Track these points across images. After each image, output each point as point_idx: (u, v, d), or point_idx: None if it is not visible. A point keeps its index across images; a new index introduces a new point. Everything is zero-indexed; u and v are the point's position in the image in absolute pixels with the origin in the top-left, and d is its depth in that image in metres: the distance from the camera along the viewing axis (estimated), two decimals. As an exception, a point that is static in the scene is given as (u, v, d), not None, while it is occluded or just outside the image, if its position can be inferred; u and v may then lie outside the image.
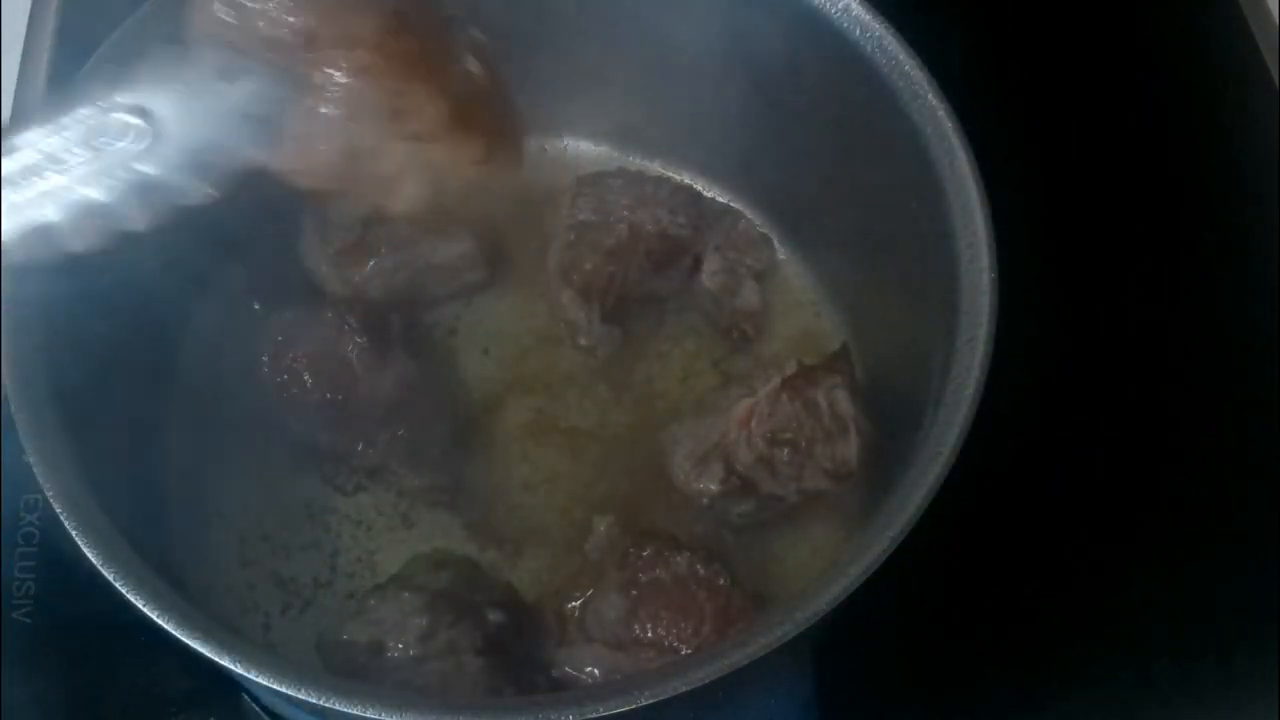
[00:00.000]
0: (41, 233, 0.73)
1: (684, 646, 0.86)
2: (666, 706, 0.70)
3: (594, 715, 0.69)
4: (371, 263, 0.98)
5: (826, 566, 0.91)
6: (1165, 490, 1.02)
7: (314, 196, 0.79)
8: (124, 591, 0.72)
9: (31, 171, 0.73)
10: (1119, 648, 0.96)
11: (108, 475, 0.80)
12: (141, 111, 0.74)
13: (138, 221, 0.74)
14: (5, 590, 0.93)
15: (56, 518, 0.75)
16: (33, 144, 0.73)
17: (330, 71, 0.73)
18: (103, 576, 0.72)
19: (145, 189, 0.73)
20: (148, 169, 0.73)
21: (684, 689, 0.70)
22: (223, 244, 0.99)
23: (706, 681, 0.70)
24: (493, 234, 1.03)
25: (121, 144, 0.73)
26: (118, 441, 0.87)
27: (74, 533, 0.74)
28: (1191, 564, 0.99)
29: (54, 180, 0.72)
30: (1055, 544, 0.99)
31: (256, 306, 0.99)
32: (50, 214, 0.72)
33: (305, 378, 0.94)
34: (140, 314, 0.92)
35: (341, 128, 0.74)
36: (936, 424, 0.78)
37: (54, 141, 0.73)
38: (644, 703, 0.70)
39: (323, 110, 0.74)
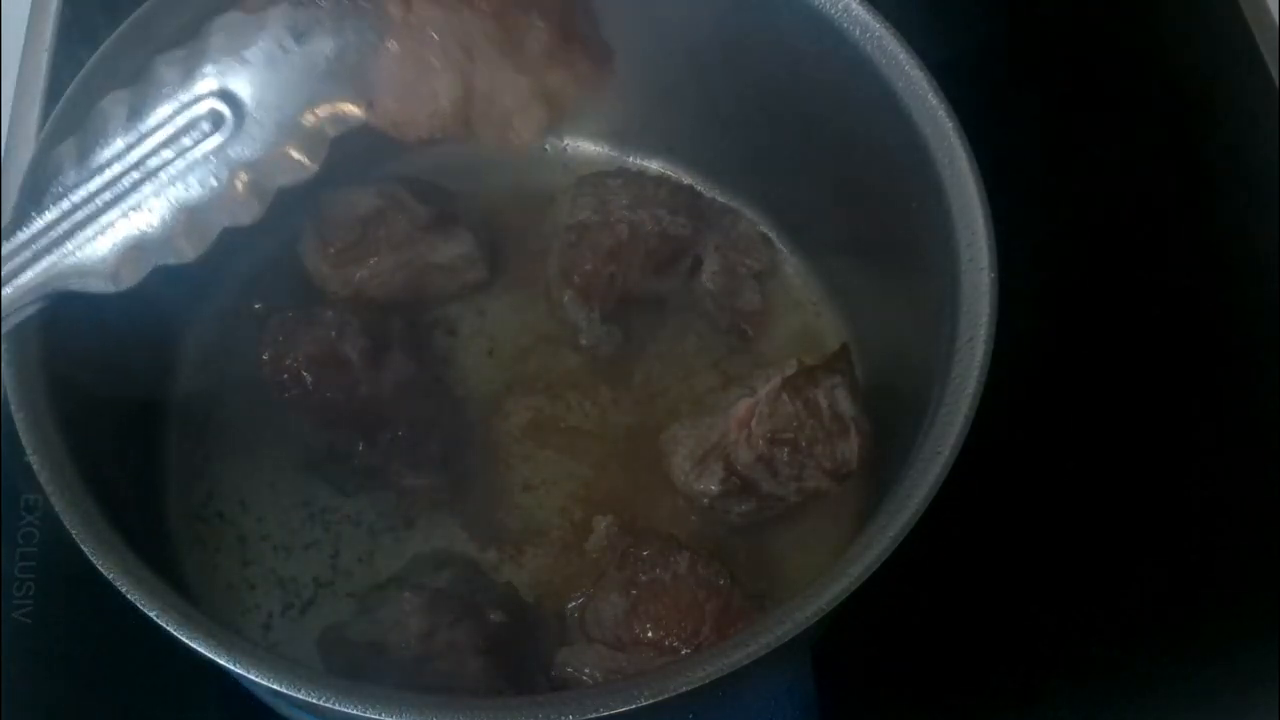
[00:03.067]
0: (141, 249, 0.70)
1: (684, 647, 0.86)
2: (667, 707, 0.70)
3: (594, 715, 0.69)
4: (371, 262, 0.98)
5: (826, 566, 0.91)
6: (1165, 490, 1.02)
7: (422, 144, 0.74)
8: (124, 591, 0.72)
9: (120, 188, 0.70)
10: (1119, 648, 0.96)
11: (107, 475, 0.80)
12: (223, 94, 0.68)
13: (244, 214, 0.70)
14: (5, 590, 0.93)
15: (56, 518, 0.75)
16: (116, 158, 0.69)
17: (418, 6, 0.68)
18: (103, 576, 0.72)
19: (244, 176, 0.69)
20: (241, 154, 0.69)
21: (684, 689, 0.70)
22: (223, 243, 1.00)
23: (707, 681, 0.70)
24: (493, 234, 1.03)
25: (209, 135, 0.69)
26: (117, 441, 0.88)
27: (74, 532, 0.74)
28: (1191, 564, 0.99)
29: (146, 190, 0.69)
30: (1055, 543, 0.99)
31: (257, 306, 0.99)
32: (147, 227, 0.70)
33: (306, 378, 0.93)
34: (140, 313, 0.92)
35: (450, 67, 0.69)
36: (936, 424, 0.78)
37: (136, 151, 0.69)
38: (644, 703, 0.69)
39: (425, 50, 0.68)
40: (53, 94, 1.11)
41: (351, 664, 0.86)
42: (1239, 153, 1.16)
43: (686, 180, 1.07)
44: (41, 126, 1.06)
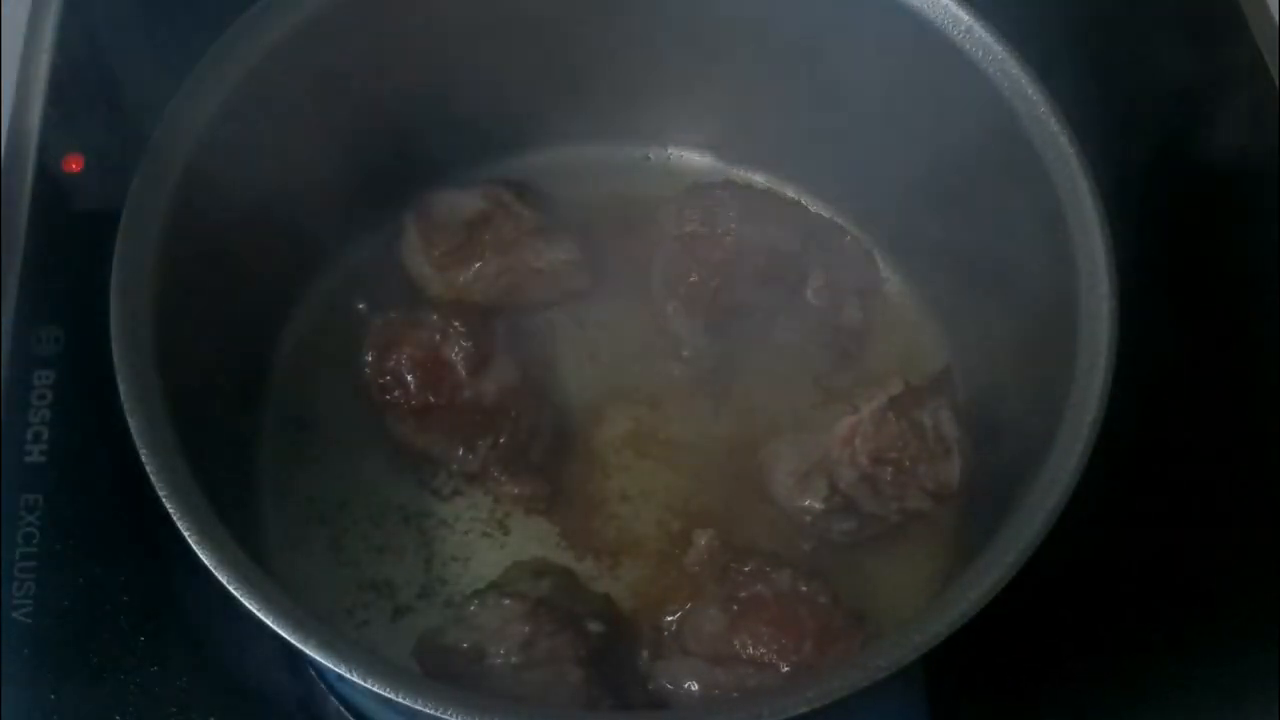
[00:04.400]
0: None
1: (784, 663, 0.85)
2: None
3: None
4: (475, 265, 0.98)
5: (925, 586, 0.92)
6: (1164, 490, 1.00)
7: None
8: (239, 595, 0.72)
9: None
10: (1119, 648, 0.94)
11: (208, 474, 0.79)
12: None
13: None
14: (5, 590, 0.92)
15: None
16: None
17: None
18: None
19: None
20: None
21: (804, 709, 0.70)
22: (326, 241, 1.00)
23: (829, 700, 0.70)
24: (595, 241, 1.03)
25: None
26: (216, 441, 0.87)
27: (189, 535, 0.73)
28: (1191, 564, 0.98)
29: None
30: (1052, 545, 0.97)
31: (361, 306, 0.99)
32: None
33: (409, 380, 0.93)
34: (244, 312, 0.93)
35: None
36: (1055, 450, 0.78)
37: None
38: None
39: None
40: (53, 94, 1.09)
41: (450, 669, 0.85)
42: (1239, 153, 1.14)
43: (791, 194, 1.07)
44: (42, 126, 1.07)
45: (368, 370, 0.94)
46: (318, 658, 0.71)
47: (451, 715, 0.69)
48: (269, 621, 0.71)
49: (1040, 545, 0.75)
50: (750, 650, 0.86)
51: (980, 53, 0.88)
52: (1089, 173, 0.84)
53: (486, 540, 0.94)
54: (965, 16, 0.89)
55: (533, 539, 0.94)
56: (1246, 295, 1.09)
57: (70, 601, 0.92)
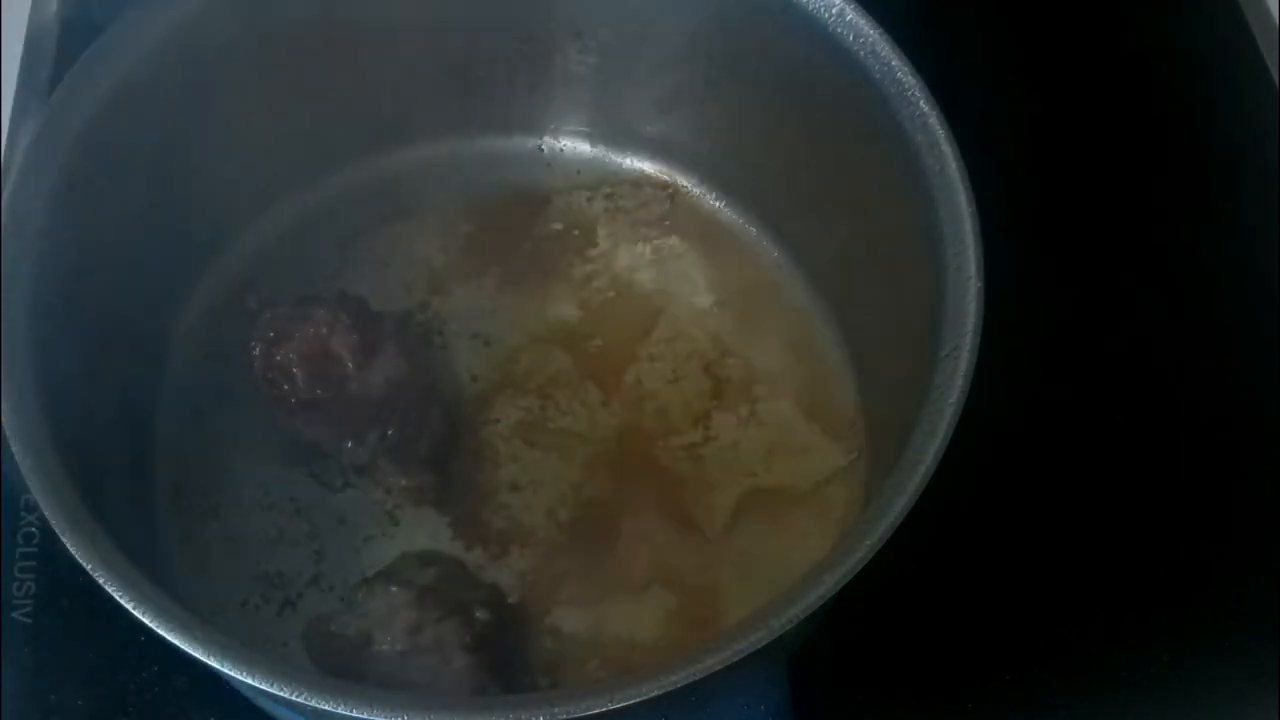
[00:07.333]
0: None
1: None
2: (639, 710, 0.70)
3: (565, 717, 0.69)
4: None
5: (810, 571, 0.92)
6: (1164, 491, 1.01)
7: None
8: (100, 581, 0.72)
9: None
10: (1118, 648, 0.95)
11: (96, 470, 0.81)
12: None
13: None
14: (5, 590, 0.93)
15: None
16: None
17: None
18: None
19: None
20: None
21: (656, 692, 0.70)
22: (215, 238, 1.01)
23: (679, 686, 0.70)
24: (484, 233, 1.03)
25: None
26: (106, 437, 0.87)
27: (56, 526, 0.73)
28: (1191, 563, 0.98)
29: None
30: (1050, 546, 0.99)
31: (249, 302, 0.99)
32: None
33: (296, 374, 0.93)
34: (131, 307, 0.93)
35: None
36: (918, 433, 0.78)
37: None
38: (614, 705, 0.69)
39: None
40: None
41: (337, 657, 0.86)
42: (1239, 153, 1.15)
43: (683, 183, 1.08)
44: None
45: (256, 364, 0.94)
46: (187, 649, 0.70)
47: (307, 699, 0.69)
48: (133, 609, 0.71)
49: (916, 535, 0.75)
50: (625, 639, 0.87)
51: (853, 37, 0.88)
52: (956, 153, 0.84)
53: (377, 531, 0.95)
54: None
55: (423, 530, 0.95)
56: (1246, 292, 1.10)
57: (70, 601, 0.93)
